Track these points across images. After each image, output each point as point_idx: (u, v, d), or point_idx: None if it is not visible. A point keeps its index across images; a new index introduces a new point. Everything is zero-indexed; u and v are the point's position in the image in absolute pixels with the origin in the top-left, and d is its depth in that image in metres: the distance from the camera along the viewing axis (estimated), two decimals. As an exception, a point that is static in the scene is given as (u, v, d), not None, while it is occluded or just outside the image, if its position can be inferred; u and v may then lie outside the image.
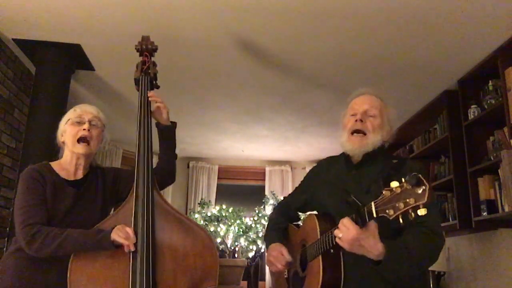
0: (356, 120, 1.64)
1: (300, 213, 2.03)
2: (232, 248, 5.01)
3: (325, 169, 1.83)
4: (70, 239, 1.56)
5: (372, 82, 3.62)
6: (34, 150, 2.98)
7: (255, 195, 6.06)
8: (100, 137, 1.84)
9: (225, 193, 6.32)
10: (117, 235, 1.56)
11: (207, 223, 5.11)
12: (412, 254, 1.39)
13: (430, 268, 3.41)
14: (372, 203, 1.27)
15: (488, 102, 3.14)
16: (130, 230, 1.58)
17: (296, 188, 2.00)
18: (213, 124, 4.78)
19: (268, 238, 1.89)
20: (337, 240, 1.37)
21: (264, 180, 6.14)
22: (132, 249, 1.56)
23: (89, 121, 1.80)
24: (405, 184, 1.19)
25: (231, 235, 4.99)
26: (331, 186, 1.71)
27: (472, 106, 3.29)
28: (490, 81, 3.16)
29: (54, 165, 1.79)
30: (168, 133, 1.93)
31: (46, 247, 1.55)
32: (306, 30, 2.85)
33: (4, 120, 3.11)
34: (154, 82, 2.05)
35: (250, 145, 5.56)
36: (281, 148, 5.62)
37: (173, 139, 1.95)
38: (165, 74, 3.49)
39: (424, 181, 1.15)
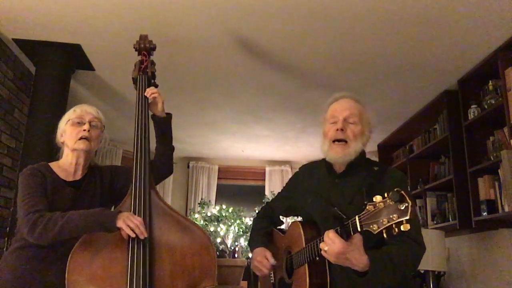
0: (337, 129, 1.63)
1: (284, 218, 2.06)
2: (232, 248, 5.01)
3: (307, 176, 1.83)
4: (72, 221, 1.55)
5: (372, 82, 3.62)
6: (34, 150, 2.98)
7: (255, 195, 6.06)
8: (99, 137, 1.85)
9: (225, 193, 6.32)
10: (124, 224, 1.53)
11: (207, 223, 5.11)
12: (395, 264, 1.42)
13: (430, 268, 3.42)
14: (357, 218, 1.30)
15: (488, 102, 3.14)
16: (139, 219, 1.57)
17: (279, 193, 2.01)
18: (213, 124, 4.78)
19: (252, 243, 1.90)
20: (322, 252, 1.40)
21: (264, 180, 6.15)
22: (146, 234, 1.55)
23: (89, 122, 1.81)
24: (388, 200, 1.22)
25: (231, 235, 4.99)
26: (314, 194, 1.72)
27: (472, 106, 3.29)
28: (490, 81, 3.16)
29: (53, 166, 1.80)
30: (163, 124, 1.92)
31: (49, 231, 1.54)
32: (306, 30, 2.85)
33: (4, 120, 3.11)
34: (153, 81, 2.05)
35: (250, 145, 5.56)
36: (281, 148, 5.62)
37: (169, 131, 1.95)
38: (165, 74, 3.50)
39: (407, 198, 1.19)
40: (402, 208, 1.19)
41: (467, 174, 3.27)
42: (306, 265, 1.56)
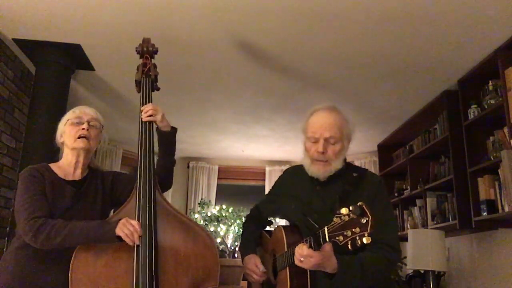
0: (318, 151, 1.67)
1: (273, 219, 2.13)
2: (232, 248, 5.01)
3: (290, 180, 1.89)
4: (74, 233, 1.57)
5: (372, 82, 3.62)
6: (34, 150, 2.99)
7: (255, 195, 6.06)
8: (98, 137, 1.86)
9: (225, 193, 6.32)
10: (121, 231, 1.55)
11: (207, 223, 5.11)
12: (365, 268, 1.50)
13: (430, 268, 3.42)
14: (326, 229, 1.37)
15: (488, 102, 3.14)
16: (135, 223, 1.58)
17: (267, 195, 2.08)
18: (213, 124, 4.78)
19: (243, 249, 1.95)
20: (297, 263, 1.46)
21: (264, 180, 6.14)
22: (137, 242, 1.56)
23: (88, 122, 1.82)
24: (351, 214, 1.30)
25: (231, 235, 4.99)
26: (296, 200, 1.77)
27: (472, 106, 3.29)
28: (490, 81, 3.16)
29: (53, 166, 1.81)
30: (165, 138, 1.91)
31: (52, 240, 1.56)
32: (306, 30, 2.85)
33: (4, 120, 3.11)
34: (155, 84, 2.06)
35: (250, 145, 5.56)
36: (281, 148, 5.63)
37: (171, 145, 1.93)
38: (166, 74, 3.49)
39: (368, 213, 1.27)
40: (363, 222, 1.27)
41: (467, 174, 3.27)
42: (288, 268, 1.62)
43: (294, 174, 1.89)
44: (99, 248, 1.60)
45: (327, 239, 1.36)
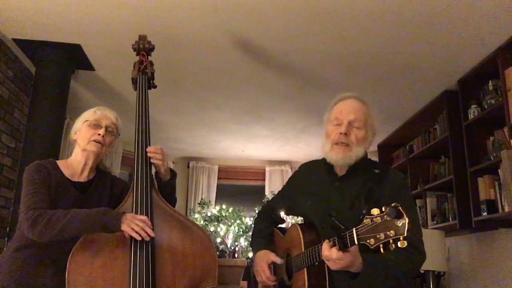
0: (340, 133, 1.60)
1: (285, 216, 2.04)
2: (232, 248, 5.01)
3: (306, 176, 1.81)
4: (75, 220, 1.53)
5: (371, 82, 3.62)
6: (34, 150, 2.99)
7: (255, 195, 6.07)
8: (112, 143, 1.84)
9: (225, 193, 6.32)
10: (129, 228, 1.52)
11: (207, 223, 5.11)
12: (389, 269, 1.43)
13: (430, 268, 3.41)
14: (354, 231, 1.29)
15: (488, 102, 3.14)
16: (145, 218, 1.57)
17: (279, 192, 1.99)
18: (213, 124, 4.78)
19: (255, 245, 1.89)
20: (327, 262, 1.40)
21: (264, 180, 6.14)
22: (153, 235, 1.54)
23: (106, 127, 1.79)
24: (385, 216, 1.21)
25: (231, 235, 4.98)
26: (313, 196, 1.69)
27: (472, 106, 3.29)
28: (490, 81, 3.16)
29: (60, 163, 1.78)
30: (165, 186, 1.81)
31: (50, 229, 1.53)
32: (306, 30, 2.85)
33: (4, 120, 3.11)
34: (152, 81, 2.04)
35: (250, 145, 5.56)
36: (281, 148, 5.62)
37: (171, 191, 1.84)
38: (166, 74, 3.50)
39: (404, 215, 1.18)
40: (399, 224, 1.18)
41: (467, 174, 3.27)
42: (305, 268, 1.57)
43: (310, 170, 1.81)
44: (96, 249, 1.58)
45: (356, 242, 1.27)
